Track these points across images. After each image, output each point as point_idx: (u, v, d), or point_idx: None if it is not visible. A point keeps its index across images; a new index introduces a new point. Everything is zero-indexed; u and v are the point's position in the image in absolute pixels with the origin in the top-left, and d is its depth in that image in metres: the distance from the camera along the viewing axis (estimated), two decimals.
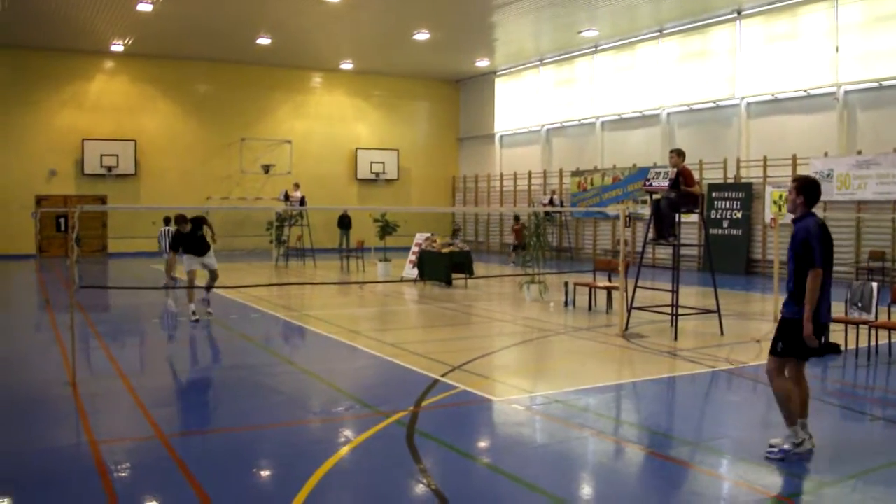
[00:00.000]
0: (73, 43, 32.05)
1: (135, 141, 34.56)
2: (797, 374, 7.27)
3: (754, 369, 11.02)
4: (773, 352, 7.20)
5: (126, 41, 32.03)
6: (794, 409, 7.06)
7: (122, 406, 9.01)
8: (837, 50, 23.67)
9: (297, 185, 30.98)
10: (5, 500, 6.07)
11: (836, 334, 12.20)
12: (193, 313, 15.18)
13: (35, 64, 33.04)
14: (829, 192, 23.33)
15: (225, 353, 13.02)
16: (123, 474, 6.67)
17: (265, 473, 6.92)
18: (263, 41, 31.79)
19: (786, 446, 7.01)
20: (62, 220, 31.74)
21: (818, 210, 7.79)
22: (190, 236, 15.71)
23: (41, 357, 12.09)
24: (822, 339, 7.29)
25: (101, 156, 33.73)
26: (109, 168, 33.90)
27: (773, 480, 6.56)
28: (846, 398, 9.64)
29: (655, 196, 14.23)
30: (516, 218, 30.87)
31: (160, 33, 30.68)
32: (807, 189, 7.13)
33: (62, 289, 20.68)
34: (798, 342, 6.99)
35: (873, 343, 11.78)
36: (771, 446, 7.08)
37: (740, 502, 6.13)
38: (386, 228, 24.72)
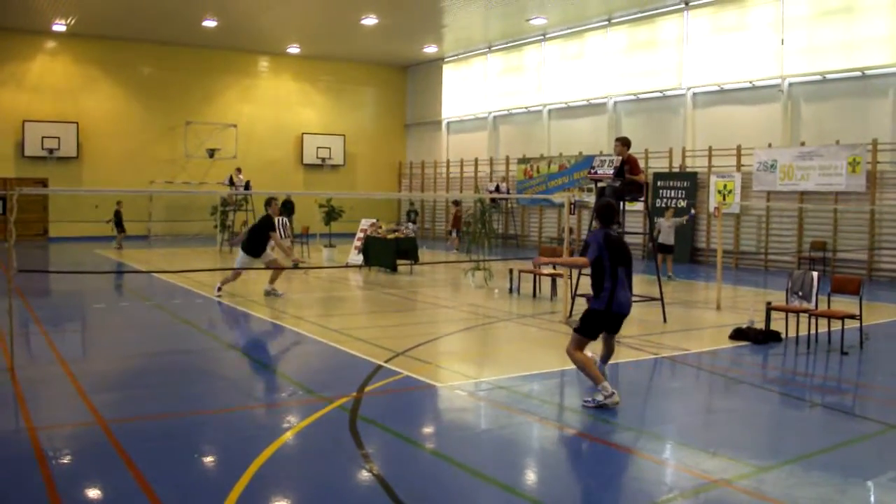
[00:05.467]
0: (13, 22, 31.29)
1: (77, 123, 33.86)
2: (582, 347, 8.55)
3: (696, 357, 11.13)
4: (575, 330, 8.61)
5: (68, 21, 31.35)
6: (594, 373, 8.33)
7: (62, 392, 8.81)
8: (783, 42, 23.94)
9: (238, 170, 30.67)
10: None
11: (777, 322, 12.35)
12: (275, 290, 15.94)
13: None
14: (772, 182, 23.69)
15: (168, 338, 12.80)
16: (62, 461, 6.51)
17: (206, 459, 6.80)
18: (209, 23, 31.34)
19: (598, 398, 8.19)
20: (1, 203, 31.10)
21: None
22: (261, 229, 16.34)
23: None
24: (610, 324, 8.59)
25: (42, 138, 33.01)
26: (51, 150, 33.22)
27: (713, 465, 6.59)
28: (787, 385, 9.75)
29: (601, 184, 14.25)
30: (455, 202, 30.91)
31: (104, 13, 30.10)
32: (598, 213, 8.84)
33: (0, 273, 20.25)
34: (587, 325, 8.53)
35: (813, 331, 11.92)
36: (586, 401, 8.35)
37: (681, 487, 6.14)
38: (331, 214, 24.56)
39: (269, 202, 16.73)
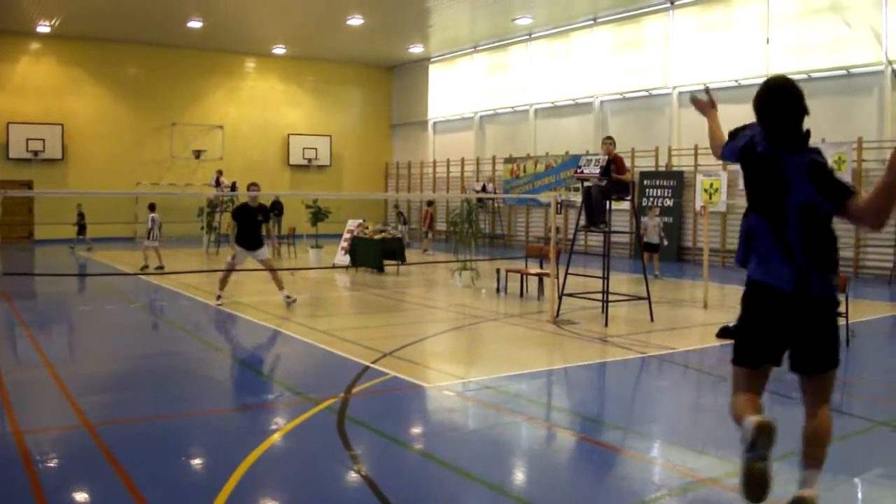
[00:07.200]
0: None
1: (62, 125, 33.70)
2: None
3: (683, 355, 11.14)
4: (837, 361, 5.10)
5: (53, 21, 31.19)
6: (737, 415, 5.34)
7: (48, 395, 8.75)
8: (768, 41, 24.00)
9: (220, 172, 30.59)
10: None
11: None
12: (288, 297, 15.16)
13: None
14: None
15: (153, 340, 12.77)
16: (49, 464, 6.46)
17: (193, 462, 6.77)
18: (195, 24, 31.25)
19: None
20: None
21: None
22: (248, 218, 15.59)
23: None
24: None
25: (27, 140, 32.85)
26: (35, 152, 33.05)
27: (701, 464, 6.60)
28: (773, 383, 9.74)
29: (587, 183, 14.28)
30: (429, 203, 30.91)
31: (88, 14, 29.98)
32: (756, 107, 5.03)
33: None
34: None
35: None
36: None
37: (670, 486, 6.15)
38: (318, 215, 24.54)
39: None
